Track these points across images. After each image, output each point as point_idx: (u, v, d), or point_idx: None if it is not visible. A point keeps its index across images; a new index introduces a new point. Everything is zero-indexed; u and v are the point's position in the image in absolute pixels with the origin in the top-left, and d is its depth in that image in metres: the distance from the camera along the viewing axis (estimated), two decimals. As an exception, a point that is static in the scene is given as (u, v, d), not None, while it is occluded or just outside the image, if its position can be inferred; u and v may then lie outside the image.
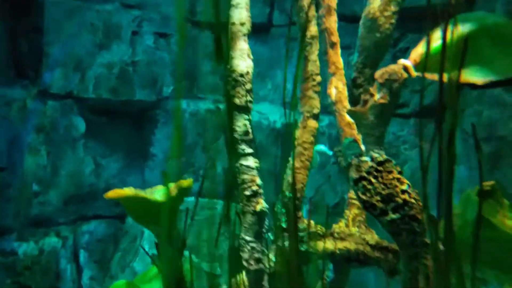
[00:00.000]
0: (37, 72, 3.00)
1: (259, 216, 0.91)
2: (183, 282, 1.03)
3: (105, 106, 3.14)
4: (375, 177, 0.88)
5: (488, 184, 1.01)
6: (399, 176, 0.87)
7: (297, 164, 1.29)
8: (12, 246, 2.85)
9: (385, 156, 0.89)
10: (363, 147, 0.94)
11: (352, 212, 1.28)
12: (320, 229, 1.21)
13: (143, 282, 1.21)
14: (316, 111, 1.31)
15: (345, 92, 1.15)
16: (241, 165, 0.91)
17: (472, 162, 1.84)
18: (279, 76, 3.30)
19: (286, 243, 1.20)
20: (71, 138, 3.04)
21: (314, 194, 2.89)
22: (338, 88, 1.14)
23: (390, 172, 0.88)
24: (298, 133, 1.32)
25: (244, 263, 0.87)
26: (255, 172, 0.92)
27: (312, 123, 1.31)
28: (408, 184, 0.86)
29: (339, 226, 1.25)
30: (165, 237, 1.02)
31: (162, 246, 1.02)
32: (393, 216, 0.84)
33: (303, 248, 1.15)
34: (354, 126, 1.05)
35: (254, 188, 0.90)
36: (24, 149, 2.87)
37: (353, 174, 0.90)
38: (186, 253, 1.38)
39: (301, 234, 1.19)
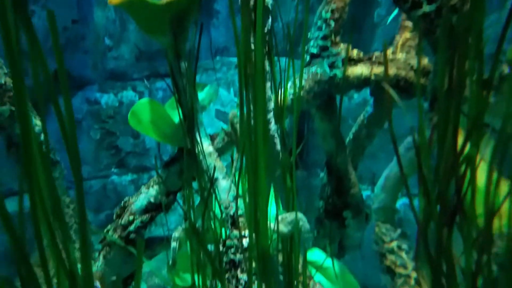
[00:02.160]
0: None
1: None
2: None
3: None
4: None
5: None
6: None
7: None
8: (95, 96, 3.16)
9: None
10: None
11: (403, 36, 1.05)
12: (357, 54, 1.03)
13: (171, 108, 1.21)
14: None
15: None
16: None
17: None
18: None
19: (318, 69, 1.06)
20: (135, -9, 3.00)
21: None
22: None
23: None
24: None
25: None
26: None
27: None
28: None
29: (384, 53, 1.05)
30: (172, 50, 0.96)
31: (171, 60, 0.97)
32: (427, 8, 0.64)
33: (333, 72, 1.01)
34: None
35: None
36: (93, 2, 2.92)
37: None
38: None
39: (333, 59, 1.03)
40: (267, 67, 0.75)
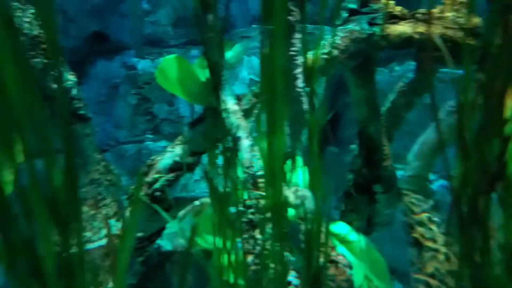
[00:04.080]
0: None
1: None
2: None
3: None
4: None
5: None
6: None
7: None
8: (132, 61, 3.19)
9: None
10: None
11: (453, -7, 0.95)
12: (400, 10, 0.94)
13: (198, 67, 1.18)
14: None
15: None
16: None
17: None
18: None
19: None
20: None
21: None
22: None
23: None
24: None
25: None
26: None
27: None
28: None
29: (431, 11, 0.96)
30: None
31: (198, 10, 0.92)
32: None
33: (372, 30, 0.93)
34: None
35: None
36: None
37: None
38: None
39: (374, 15, 0.95)
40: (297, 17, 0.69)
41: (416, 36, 0.88)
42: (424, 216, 0.78)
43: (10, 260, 0.34)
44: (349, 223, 1.44)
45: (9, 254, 0.34)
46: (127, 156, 3.31)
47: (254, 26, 3.07)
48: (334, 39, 0.91)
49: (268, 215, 0.64)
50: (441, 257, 0.70)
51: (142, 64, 3.21)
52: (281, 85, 0.54)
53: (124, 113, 3.24)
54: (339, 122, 2.93)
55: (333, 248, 1.04)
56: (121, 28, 3.07)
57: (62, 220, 0.36)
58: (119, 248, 0.48)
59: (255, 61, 3.09)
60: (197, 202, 1.02)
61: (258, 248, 0.78)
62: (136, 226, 0.47)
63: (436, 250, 0.72)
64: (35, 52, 1.22)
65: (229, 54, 1.13)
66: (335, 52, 0.93)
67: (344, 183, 1.49)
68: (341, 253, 1.07)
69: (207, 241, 1.25)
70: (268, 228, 0.65)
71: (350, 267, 1.03)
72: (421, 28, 0.88)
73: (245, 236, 0.80)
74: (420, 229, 0.76)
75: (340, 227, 1.30)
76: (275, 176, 0.57)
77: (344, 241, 1.25)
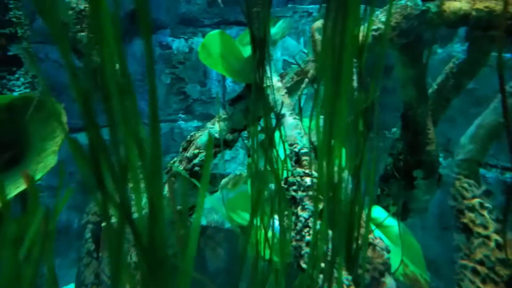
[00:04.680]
0: None
1: None
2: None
3: None
4: None
5: None
6: None
7: None
8: (167, 40, 3.21)
9: None
10: None
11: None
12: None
13: (241, 43, 1.17)
14: None
15: None
16: None
17: None
18: None
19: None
20: None
21: None
22: None
23: None
24: None
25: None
26: None
27: None
28: None
29: None
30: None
31: None
32: None
33: (426, 6, 0.89)
34: None
35: None
36: None
37: None
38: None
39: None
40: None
41: (474, 13, 0.83)
42: (475, 201, 0.75)
43: (105, 208, 0.36)
44: (385, 207, 1.42)
45: (104, 205, 0.36)
46: (160, 134, 3.37)
47: (289, 6, 3.01)
48: (385, 15, 0.88)
49: (315, 193, 0.63)
50: (492, 244, 0.68)
51: (177, 44, 3.23)
52: (349, 60, 0.52)
53: (159, 92, 3.29)
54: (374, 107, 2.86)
55: (371, 231, 1.03)
56: (157, 6, 3.09)
57: (149, 172, 0.38)
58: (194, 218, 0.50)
59: (290, 41, 3.04)
60: (237, 172, 1.03)
61: (299, 225, 0.78)
62: (205, 195, 0.48)
63: (486, 237, 0.69)
64: (81, 26, 1.24)
65: (273, 31, 1.12)
66: (386, 28, 0.89)
67: (377, 168, 1.46)
68: (379, 236, 1.05)
69: (243, 218, 1.27)
70: (314, 206, 0.65)
71: (388, 250, 1.01)
72: (480, 5, 0.83)
73: (286, 212, 0.80)
74: (470, 215, 0.74)
75: (376, 212, 1.29)
76: (331, 155, 0.56)
77: (380, 225, 1.23)
